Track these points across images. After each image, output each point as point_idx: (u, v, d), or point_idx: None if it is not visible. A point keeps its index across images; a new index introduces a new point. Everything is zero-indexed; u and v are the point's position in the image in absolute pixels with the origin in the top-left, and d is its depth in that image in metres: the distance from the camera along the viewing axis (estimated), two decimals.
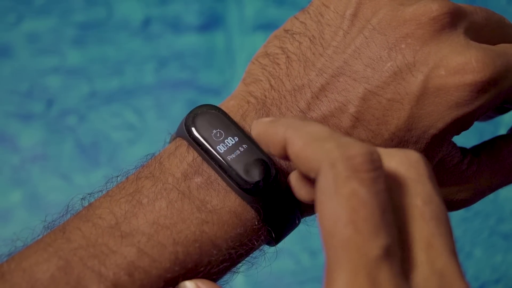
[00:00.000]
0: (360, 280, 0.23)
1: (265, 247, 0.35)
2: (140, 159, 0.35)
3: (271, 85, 0.35)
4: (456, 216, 0.58)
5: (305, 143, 0.27)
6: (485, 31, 0.34)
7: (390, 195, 0.26)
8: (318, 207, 0.25)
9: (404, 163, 0.27)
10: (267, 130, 0.29)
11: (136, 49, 0.68)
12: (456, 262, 0.25)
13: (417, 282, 0.24)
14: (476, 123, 0.35)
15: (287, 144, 0.28)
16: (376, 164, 0.25)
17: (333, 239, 0.24)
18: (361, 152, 0.25)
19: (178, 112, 0.65)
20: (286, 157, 0.28)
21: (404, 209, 0.26)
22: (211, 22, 0.69)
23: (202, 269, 0.32)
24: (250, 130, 0.34)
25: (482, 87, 0.32)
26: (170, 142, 0.36)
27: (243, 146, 0.33)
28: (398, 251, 0.25)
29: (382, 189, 0.25)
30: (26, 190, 0.62)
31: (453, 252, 0.25)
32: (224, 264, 0.32)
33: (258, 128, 0.30)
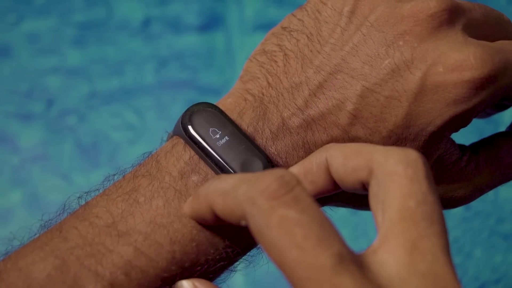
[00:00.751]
0: None
1: None
2: (137, 158, 0.35)
3: (268, 82, 0.35)
4: (456, 216, 0.58)
5: (223, 200, 0.28)
6: (484, 28, 0.34)
7: (386, 195, 0.26)
8: (260, 244, 0.26)
9: (402, 161, 0.27)
10: (193, 207, 0.31)
11: (136, 49, 0.68)
12: (446, 261, 0.25)
13: (394, 283, 0.24)
14: (475, 121, 0.35)
15: (214, 210, 0.29)
16: (291, 184, 0.26)
17: (286, 267, 0.25)
18: (271, 180, 0.26)
19: (178, 112, 0.65)
20: (227, 221, 0.29)
21: (397, 211, 0.26)
22: (211, 22, 0.69)
23: (199, 268, 0.31)
24: (247, 128, 0.34)
25: (481, 84, 0.31)
26: (167, 140, 0.36)
27: (240, 144, 0.33)
28: (351, 252, 0.25)
29: (309, 203, 0.25)
30: (26, 190, 0.62)
31: (445, 252, 0.25)
32: (221, 263, 0.32)
33: (187, 210, 0.31)
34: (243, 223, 0.27)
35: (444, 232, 0.26)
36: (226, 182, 0.28)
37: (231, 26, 0.69)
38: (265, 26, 0.69)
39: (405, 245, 0.25)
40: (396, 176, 0.26)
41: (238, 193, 0.27)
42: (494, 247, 0.58)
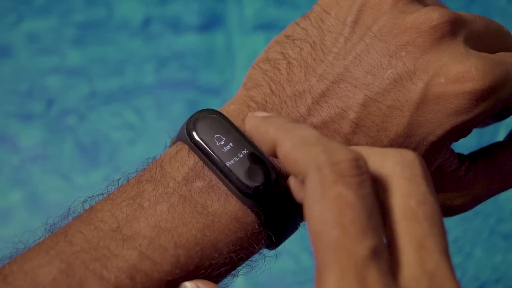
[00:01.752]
0: (348, 281, 0.24)
1: (265, 250, 0.35)
2: (141, 163, 0.35)
3: (271, 90, 0.35)
4: (456, 216, 0.58)
5: (293, 146, 0.27)
6: (485, 40, 0.35)
7: (385, 196, 0.27)
8: (306, 210, 0.26)
9: (399, 163, 0.27)
10: (259, 128, 0.30)
11: (136, 49, 0.68)
12: (448, 262, 0.25)
13: (407, 282, 0.25)
14: (475, 128, 0.35)
15: (277, 145, 0.28)
16: (361, 170, 0.26)
17: (321, 241, 0.25)
18: (347, 157, 0.26)
19: (178, 112, 0.65)
20: (276, 156, 0.29)
21: (398, 210, 0.26)
22: (211, 22, 0.69)
23: (203, 271, 0.32)
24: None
25: (481, 95, 0.32)
26: (170, 145, 0.36)
27: (244, 150, 0.33)
28: (386, 252, 0.25)
29: (368, 193, 0.26)
30: (26, 190, 0.62)
31: (446, 253, 0.26)
32: (225, 268, 0.32)
33: (251, 123, 0.30)
34: (300, 177, 0.27)
35: (444, 233, 0.26)
36: (306, 131, 0.28)
37: (231, 26, 0.69)
38: (265, 26, 0.69)
39: (412, 244, 0.25)
40: (394, 177, 0.27)
41: (312, 150, 0.26)
42: (494, 247, 0.58)
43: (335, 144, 0.27)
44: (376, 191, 0.27)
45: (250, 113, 0.32)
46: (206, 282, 0.31)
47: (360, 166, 0.26)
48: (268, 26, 0.69)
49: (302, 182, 0.27)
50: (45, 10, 0.69)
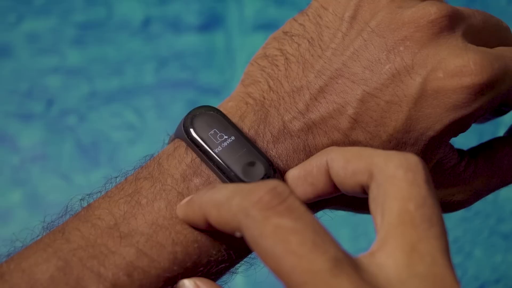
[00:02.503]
0: None
1: None
2: (139, 160, 0.35)
3: (269, 86, 0.35)
4: (456, 216, 0.58)
5: (217, 211, 0.28)
6: (483, 34, 0.34)
7: (385, 198, 0.27)
8: (257, 254, 0.26)
9: (402, 165, 0.27)
10: (187, 215, 0.31)
11: (136, 49, 0.68)
12: (446, 263, 0.25)
13: (392, 284, 0.25)
14: (474, 124, 0.35)
15: (208, 219, 0.29)
16: (284, 195, 0.26)
17: (284, 275, 0.25)
18: (264, 191, 0.26)
19: (178, 112, 0.65)
20: (215, 229, 0.30)
21: (396, 214, 0.26)
22: (211, 22, 0.69)
23: (201, 269, 0.32)
24: (248, 131, 0.34)
25: (480, 90, 0.32)
26: (168, 143, 0.36)
27: (242, 147, 0.33)
28: (349, 257, 0.25)
29: (303, 212, 0.26)
30: (26, 190, 0.62)
31: (444, 254, 0.25)
32: (223, 264, 0.32)
33: (180, 215, 0.32)
34: (238, 234, 0.28)
35: (443, 234, 0.26)
36: (220, 193, 0.29)
37: (231, 26, 0.69)
38: (265, 26, 0.69)
39: (404, 247, 0.25)
40: (396, 180, 0.27)
41: (232, 205, 0.27)
42: (494, 247, 0.58)
43: (249, 185, 0.27)
44: (377, 193, 0.27)
45: (178, 204, 0.32)
46: (205, 280, 0.31)
47: (280, 192, 0.26)
48: (268, 26, 0.69)
49: (242, 236, 0.27)
50: (45, 10, 0.69)
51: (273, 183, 0.27)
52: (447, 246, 0.26)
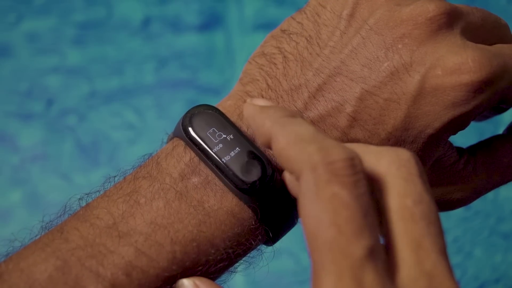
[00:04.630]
0: (345, 282, 0.24)
1: (263, 247, 0.35)
2: (137, 159, 0.35)
3: (268, 84, 0.35)
4: (456, 215, 0.58)
5: (287, 144, 0.27)
6: (482, 32, 0.34)
7: (380, 195, 0.26)
8: (301, 209, 0.25)
9: (395, 162, 0.27)
10: (255, 118, 0.29)
11: (136, 49, 0.68)
12: (446, 262, 0.25)
13: (404, 283, 0.24)
14: (474, 123, 0.35)
15: (272, 140, 0.28)
16: (356, 169, 0.25)
17: (317, 241, 0.24)
18: (342, 157, 0.25)
19: (178, 112, 0.65)
20: (271, 149, 0.28)
21: (395, 210, 0.26)
22: (211, 22, 0.69)
23: (200, 268, 0.32)
24: (247, 129, 0.34)
25: (479, 87, 0.32)
26: (167, 142, 0.36)
27: (240, 146, 0.33)
28: (382, 252, 0.25)
29: (363, 192, 0.25)
30: (26, 190, 0.62)
31: (443, 252, 0.25)
32: (222, 264, 0.32)
33: (249, 112, 0.30)
34: (294, 175, 0.27)
35: (441, 232, 0.26)
36: (302, 127, 0.27)
37: (231, 26, 0.69)
38: (265, 26, 0.69)
39: (410, 244, 0.25)
40: (389, 177, 0.26)
41: (307, 149, 0.26)
42: (494, 247, 0.58)
43: (330, 142, 0.26)
44: (372, 191, 0.27)
45: (249, 99, 0.31)
46: (204, 279, 0.31)
47: (355, 165, 0.25)
48: (268, 26, 0.69)
49: (297, 179, 0.26)
50: (45, 10, 0.69)
51: (352, 153, 0.26)
52: (445, 245, 0.26)
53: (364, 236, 0.24)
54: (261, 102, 0.31)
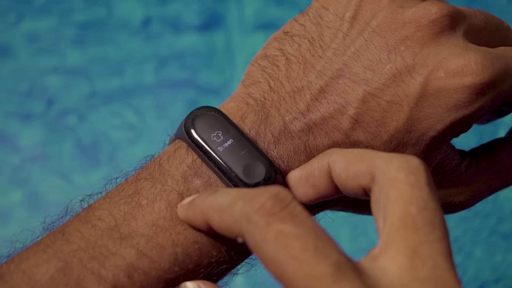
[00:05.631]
0: None
1: None
2: (139, 161, 0.35)
3: (270, 86, 0.35)
4: (456, 216, 0.58)
5: (219, 216, 0.28)
6: (484, 34, 0.34)
7: (387, 201, 0.27)
8: (261, 261, 0.26)
9: (403, 168, 0.27)
10: (188, 217, 0.31)
11: (136, 49, 0.68)
12: (447, 266, 0.25)
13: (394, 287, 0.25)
14: (475, 125, 0.35)
15: (210, 223, 0.30)
16: (286, 201, 0.26)
17: (286, 280, 0.25)
18: (266, 197, 0.26)
19: (178, 112, 0.65)
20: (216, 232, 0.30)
21: (398, 217, 0.26)
22: (211, 22, 0.69)
23: (202, 270, 0.32)
24: (249, 131, 0.34)
25: (481, 90, 0.32)
26: (169, 143, 0.36)
27: (243, 148, 0.33)
28: (351, 261, 0.25)
29: (305, 217, 0.26)
30: (26, 190, 0.62)
31: (447, 256, 0.25)
32: (224, 266, 0.32)
33: (181, 215, 0.32)
34: (240, 240, 0.28)
35: (445, 237, 0.26)
36: (222, 197, 0.29)
37: (231, 26, 0.69)
38: (265, 26, 0.69)
39: (406, 251, 0.25)
40: (397, 183, 0.27)
41: (235, 210, 0.27)
42: (494, 247, 0.58)
43: (252, 191, 0.27)
44: (379, 196, 0.27)
45: (179, 204, 0.32)
46: (208, 283, 0.31)
47: (283, 198, 0.26)
48: (268, 26, 0.68)
49: (244, 239, 0.27)
50: (45, 10, 0.69)
51: (275, 189, 0.27)
52: (450, 248, 0.26)
53: (324, 255, 0.25)
54: (187, 199, 0.32)
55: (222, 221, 0.28)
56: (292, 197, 0.26)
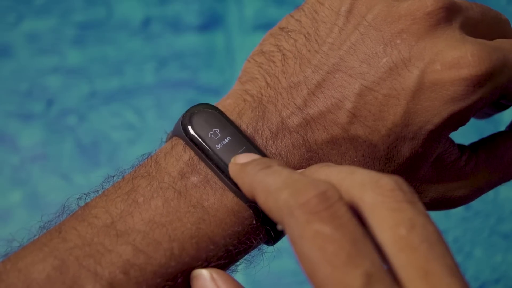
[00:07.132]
0: None
1: (264, 246, 0.35)
2: (136, 159, 0.35)
3: (267, 82, 0.35)
4: (456, 216, 0.58)
5: (265, 197, 0.28)
6: (481, 26, 0.34)
7: (374, 231, 0.26)
8: (296, 256, 0.26)
9: (378, 194, 0.26)
10: (238, 179, 0.31)
11: (136, 49, 0.68)
12: (458, 280, 0.24)
13: None
14: (475, 120, 0.35)
15: (255, 198, 0.29)
16: (331, 200, 0.26)
17: (317, 280, 0.25)
18: (314, 193, 0.26)
19: (178, 112, 0.65)
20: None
21: (391, 243, 0.25)
22: (211, 22, 0.69)
23: (200, 263, 0.31)
24: (247, 128, 0.34)
25: (478, 82, 0.31)
26: (166, 141, 0.36)
27: (240, 145, 0.33)
28: (384, 272, 0.24)
29: (346, 220, 0.25)
30: (26, 190, 0.62)
31: (453, 270, 0.25)
32: (223, 261, 0.32)
33: (232, 173, 0.32)
34: (279, 227, 0.27)
35: (446, 250, 0.25)
36: (272, 178, 0.28)
37: (231, 26, 0.69)
38: (265, 26, 0.68)
39: (417, 274, 0.24)
40: (377, 210, 0.26)
41: (280, 198, 0.27)
42: (494, 247, 0.58)
43: (302, 181, 0.27)
44: (364, 225, 0.27)
45: (233, 158, 0.32)
46: (221, 272, 0.31)
47: (328, 197, 0.26)
48: (268, 26, 0.68)
49: (284, 228, 0.27)
50: (45, 10, 0.69)
51: (324, 186, 0.26)
52: (454, 262, 0.25)
53: (356, 263, 0.24)
54: (242, 159, 0.32)
55: (266, 204, 0.28)
56: (339, 196, 0.26)
